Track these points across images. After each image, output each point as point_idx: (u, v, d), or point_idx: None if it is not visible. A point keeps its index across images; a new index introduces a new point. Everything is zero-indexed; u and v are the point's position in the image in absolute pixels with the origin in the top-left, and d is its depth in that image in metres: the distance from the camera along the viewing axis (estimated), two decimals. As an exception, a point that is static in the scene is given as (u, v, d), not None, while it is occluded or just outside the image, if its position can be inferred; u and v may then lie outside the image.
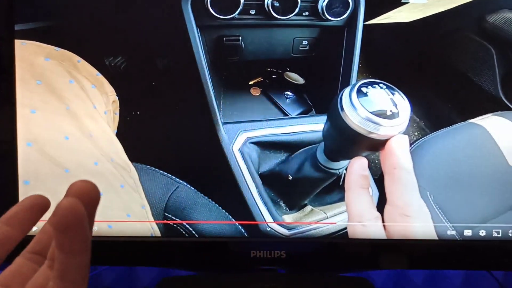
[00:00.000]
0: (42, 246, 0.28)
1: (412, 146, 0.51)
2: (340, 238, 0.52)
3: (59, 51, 0.49)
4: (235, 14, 0.50)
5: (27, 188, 0.50)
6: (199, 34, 0.50)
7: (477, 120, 0.51)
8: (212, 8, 0.49)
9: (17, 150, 0.49)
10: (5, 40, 0.48)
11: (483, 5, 0.50)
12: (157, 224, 0.51)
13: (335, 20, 0.51)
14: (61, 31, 0.50)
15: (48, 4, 0.49)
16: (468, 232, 0.51)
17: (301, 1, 0.50)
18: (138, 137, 0.51)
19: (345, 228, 0.52)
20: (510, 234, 0.51)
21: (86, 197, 0.22)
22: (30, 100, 0.49)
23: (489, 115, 0.51)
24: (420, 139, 0.52)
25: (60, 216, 0.20)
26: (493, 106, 0.51)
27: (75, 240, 0.21)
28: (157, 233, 0.51)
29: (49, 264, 0.26)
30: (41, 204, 0.28)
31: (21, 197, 0.50)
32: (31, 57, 0.49)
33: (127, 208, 0.50)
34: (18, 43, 0.49)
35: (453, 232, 0.51)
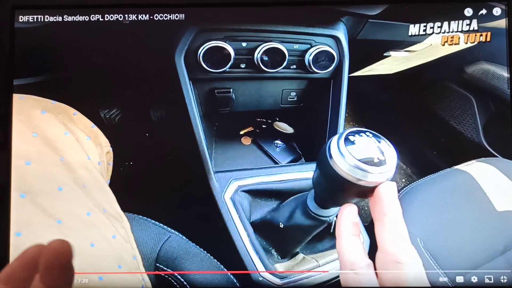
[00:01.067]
0: (9, 277, 0.27)
1: (401, 192, 0.52)
2: (332, 287, 0.52)
3: (55, 104, 0.51)
4: (226, 68, 0.52)
5: (18, 239, 0.50)
6: (191, 86, 0.52)
7: (462, 167, 0.52)
8: (204, 63, 0.52)
9: (10, 202, 0.49)
10: (4, 95, 0.50)
11: (461, 58, 0.52)
12: (148, 275, 0.50)
13: (321, 73, 0.54)
14: (57, 85, 0.51)
15: (46, 60, 0.51)
16: (460, 279, 0.51)
17: (288, 55, 0.52)
18: (130, 187, 0.52)
19: (338, 276, 0.51)
20: (502, 280, 0.51)
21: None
22: (26, 152, 0.50)
23: (473, 161, 0.52)
24: (408, 186, 0.53)
25: (49, 254, 0.21)
26: (477, 152, 0.52)
27: (61, 278, 0.23)
28: (148, 284, 0.50)
29: None
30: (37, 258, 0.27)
31: (12, 248, 0.50)
32: (28, 110, 0.50)
33: (119, 259, 0.50)
34: (17, 97, 0.50)
35: (445, 279, 0.51)
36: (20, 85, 0.51)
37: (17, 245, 0.50)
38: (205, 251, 0.51)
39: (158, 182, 0.52)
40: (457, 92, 0.53)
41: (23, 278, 0.27)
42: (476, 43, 0.52)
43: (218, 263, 0.51)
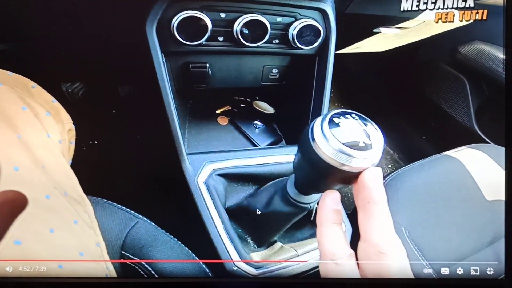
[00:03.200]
0: None
1: (386, 179, 0.50)
2: (311, 278, 0.49)
3: (12, 75, 0.46)
4: (203, 41, 0.48)
5: (-30, 223, 0.45)
6: (164, 60, 0.48)
7: (452, 153, 0.49)
8: (178, 34, 0.47)
9: (-40, 182, 0.45)
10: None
11: (455, 37, 0.50)
12: (113, 263, 0.47)
13: (306, 49, 0.50)
14: (15, 55, 0.47)
15: (2, 27, 0.46)
16: (445, 270, 0.49)
17: (271, 29, 0.49)
18: (95, 168, 0.48)
19: (317, 266, 0.49)
20: (489, 272, 0.49)
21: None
22: (-22, 128, 0.45)
23: (464, 147, 0.50)
24: (394, 172, 0.50)
25: None
26: (468, 138, 0.50)
27: None
28: (113, 273, 0.47)
29: None
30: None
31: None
32: (-19, 81, 0.45)
33: (80, 246, 0.46)
34: (-32, 67, 0.46)
35: (430, 270, 0.49)
36: (-28, 54, 0.46)
37: (-31, 230, 0.45)
38: (176, 239, 0.48)
39: (125, 163, 0.48)
40: (450, 73, 0.50)
41: None
42: (471, 21, 0.49)
43: (190, 251, 0.48)
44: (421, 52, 0.50)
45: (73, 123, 0.47)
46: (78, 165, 0.47)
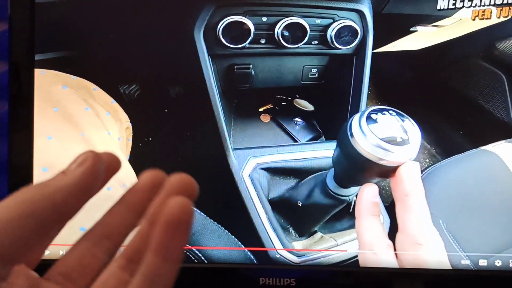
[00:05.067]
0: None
1: (424, 173, 0.51)
2: (351, 266, 0.51)
3: (76, 79, 0.51)
4: (246, 44, 0.51)
5: (41, 212, 0.51)
6: (210, 62, 0.51)
7: (489, 147, 0.50)
8: (223, 38, 0.51)
9: (33, 176, 0.50)
10: (26, 69, 0.50)
11: (491, 33, 0.50)
12: (166, 249, 0.51)
13: (344, 49, 0.52)
14: (78, 60, 0.51)
15: (66, 35, 0.51)
16: (483, 262, 0.50)
17: (310, 31, 0.51)
18: (149, 162, 0.52)
19: (356, 256, 0.51)
20: (528, 265, 0.50)
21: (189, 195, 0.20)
22: (47, 127, 0.50)
23: (501, 142, 0.50)
24: (432, 166, 0.51)
25: (171, 214, 0.18)
26: (506, 132, 0.50)
27: (178, 245, 0.19)
28: (167, 258, 0.51)
29: (123, 265, 0.21)
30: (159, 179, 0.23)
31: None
32: (49, 85, 0.51)
33: (138, 233, 0.50)
34: (38, 72, 0.51)
35: (468, 262, 0.50)
36: (41, 60, 0.51)
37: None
38: (223, 228, 0.52)
39: (177, 158, 0.52)
40: (487, 69, 0.50)
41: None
42: (509, 17, 0.49)
43: (236, 239, 0.51)
44: (457, 48, 0.50)
45: (130, 122, 0.52)
46: (135, 160, 0.51)
